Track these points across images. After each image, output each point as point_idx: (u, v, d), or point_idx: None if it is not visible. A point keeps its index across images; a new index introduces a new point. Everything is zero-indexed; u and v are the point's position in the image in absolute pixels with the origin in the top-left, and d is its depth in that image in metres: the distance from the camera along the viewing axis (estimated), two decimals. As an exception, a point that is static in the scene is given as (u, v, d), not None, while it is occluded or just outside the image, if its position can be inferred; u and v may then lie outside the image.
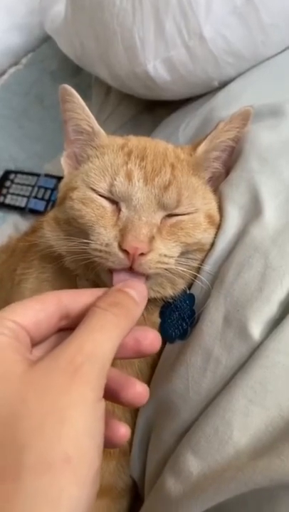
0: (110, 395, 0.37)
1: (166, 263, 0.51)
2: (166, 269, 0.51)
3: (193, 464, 0.44)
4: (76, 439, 0.29)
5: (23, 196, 1.24)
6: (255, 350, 0.44)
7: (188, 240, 0.53)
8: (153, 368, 0.57)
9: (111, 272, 0.50)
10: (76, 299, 0.39)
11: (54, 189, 1.21)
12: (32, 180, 1.27)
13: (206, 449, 0.43)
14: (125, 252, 0.48)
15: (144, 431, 0.56)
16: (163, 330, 0.56)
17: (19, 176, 1.30)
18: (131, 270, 0.49)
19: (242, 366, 0.45)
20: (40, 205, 1.21)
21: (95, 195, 0.53)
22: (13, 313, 0.35)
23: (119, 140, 0.59)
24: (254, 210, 0.53)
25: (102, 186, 0.53)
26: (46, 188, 1.23)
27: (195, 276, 0.54)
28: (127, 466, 0.58)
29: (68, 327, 0.38)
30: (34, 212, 1.21)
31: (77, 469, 0.28)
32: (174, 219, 0.53)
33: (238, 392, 0.43)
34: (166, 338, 0.56)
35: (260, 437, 0.41)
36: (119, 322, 0.36)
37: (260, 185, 0.55)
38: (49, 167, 1.31)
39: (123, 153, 0.55)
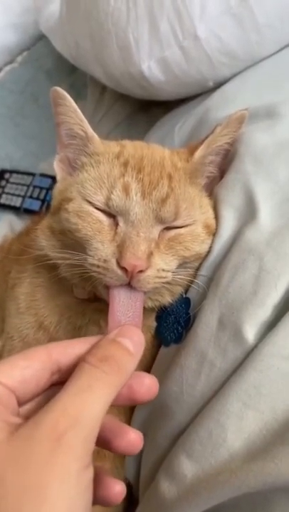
0: (102, 442, 0.35)
1: (164, 277, 0.50)
2: (163, 283, 0.51)
3: (188, 466, 0.44)
4: None
5: (18, 196, 1.24)
6: (249, 353, 0.44)
7: (187, 253, 0.52)
8: (147, 371, 0.57)
9: (108, 286, 0.50)
10: (67, 350, 0.36)
11: (49, 189, 1.20)
12: (27, 179, 1.26)
13: (200, 452, 0.43)
14: (124, 269, 0.47)
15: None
16: (159, 333, 0.56)
17: (14, 175, 1.29)
18: (129, 285, 0.49)
19: (236, 369, 0.45)
20: (35, 205, 1.20)
21: (91, 209, 0.52)
22: None
23: (114, 147, 0.57)
24: (249, 213, 0.53)
25: (99, 199, 0.52)
26: (41, 188, 1.22)
27: (192, 281, 0.54)
28: (121, 468, 0.58)
29: (62, 381, 0.35)
30: (29, 212, 1.20)
31: None
32: (172, 232, 0.52)
33: (232, 395, 0.43)
34: (162, 341, 0.56)
35: (254, 441, 0.41)
36: (110, 380, 0.33)
37: (255, 187, 0.54)
38: (44, 166, 1.30)
39: (119, 163, 0.54)
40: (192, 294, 0.55)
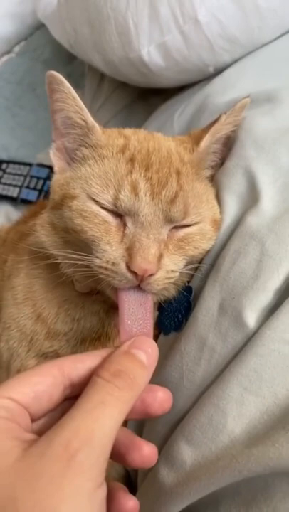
0: (116, 456, 0.35)
1: (173, 277, 0.50)
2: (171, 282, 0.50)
3: (187, 453, 0.44)
4: None
5: (15, 186, 1.23)
6: (250, 338, 0.44)
7: (196, 252, 0.52)
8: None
9: (116, 287, 0.48)
10: (77, 365, 0.36)
11: (46, 179, 1.19)
12: (24, 169, 1.25)
13: (200, 438, 0.43)
14: (133, 272, 0.46)
15: (138, 420, 0.55)
16: (159, 322, 0.56)
17: (11, 165, 1.28)
18: (138, 287, 0.48)
19: (237, 354, 0.44)
20: (32, 195, 1.20)
21: (97, 208, 0.50)
22: (10, 389, 0.33)
23: (117, 139, 0.54)
24: (251, 198, 0.53)
25: (106, 198, 0.50)
26: (39, 178, 1.21)
27: (195, 269, 0.54)
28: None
29: (76, 395, 0.35)
30: (26, 202, 1.19)
31: None
32: (182, 232, 0.51)
33: (233, 380, 0.42)
34: (162, 330, 0.55)
35: (255, 425, 0.40)
36: (123, 395, 0.33)
37: (256, 173, 0.54)
38: (41, 156, 1.29)
39: (125, 158, 0.51)
40: (194, 282, 0.54)
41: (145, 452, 0.36)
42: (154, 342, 0.40)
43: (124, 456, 0.36)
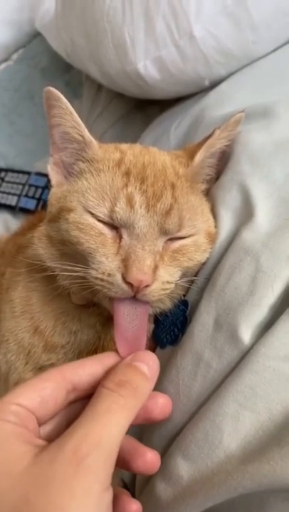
0: (121, 463, 0.37)
1: (168, 288, 0.50)
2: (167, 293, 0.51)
3: (184, 468, 0.44)
4: None
5: (14, 195, 1.23)
6: (245, 354, 0.44)
7: (190, 263, 0.52)
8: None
9: (112, 298, 0.49)
10: (78, 371, 0.38)
11: (45, 187, 1.19)
12: (23, 178, 1.25)
13: (197, 453, 0.43)
14: (129, 284, 0.47)
15: (135, 434, 0.56)
16: (155, 335, 0.56)
17: (10, 174, 1.28)
18: (133, 298, 0.48)
19: (233, 370, 0.45)
20: (31, 204, 1.20)
21: (93, 221, 0.51)
22: (17, 396, 0.35)
23: (113, 153, 0.55)
24: (246, 213, 0.53)
25: (102, 211, 0.50)
26: (37, 187, 1.22)
27: (190, 283, 0.54)
28: (118, 469, 0.58)
29: (79, 399, 0.38)
30: (25, 210, 1.19)
31: None
32: (176, 244, 0.52)
33: (228, 396, 0.43)
34: (158, 343, 0.56)
35: (250, 442, 0.41)
36: (127, 403, 0.35)
37: (251, 188, 0.54)
38: (40, 164, 1.29)
39: (121, 172, 0.52)
40: (190, 295, 0.55)
41: (148, 458, 0.39)
42: (155, 356, 0.43)
43: (129, 462, 0.38)
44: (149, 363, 0.40)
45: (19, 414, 0.34)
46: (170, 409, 0.40)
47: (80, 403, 0.39)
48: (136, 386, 0.37)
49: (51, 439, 0.34)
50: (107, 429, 0.33)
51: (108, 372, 0.39)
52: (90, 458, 0.31)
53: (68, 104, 0.53)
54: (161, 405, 0.40)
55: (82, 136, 0.54)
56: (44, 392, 0.36)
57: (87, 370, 0.38)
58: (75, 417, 0.35)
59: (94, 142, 0.55)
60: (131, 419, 0.35)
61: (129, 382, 0.37)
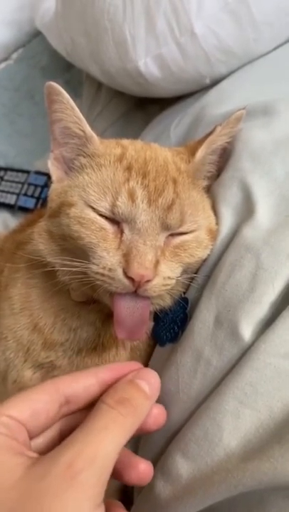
0: (114, 474, 0.36)
1: (170, 284, 0.50)
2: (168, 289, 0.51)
3: (183, 466, 0.44)
4: None
5: (13, 193, 1.23)
6: (246, 351, 0.44)
7: (192, 259, 0.52)
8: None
9: (112, 293, 0.49)
10: (72, 384, 0.38)
11: (44, 186, 1.19)
12: (22, 177, 1.25)
13: (196, 451, 0.43)
14: (130, 278, 0.47)
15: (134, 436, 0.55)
16: (155, 333, 0.56)
17: (9, 172, 1.28)
18: (134, 293, 0.48)
19: (233, 368, 0.44)
20: (30, 203, 1.19)
21: (95, 216, 0.50)
22: (8, 407, 0.35)
23: (115, 148, 0.55)
24: (247, 210, 0.53)
25: (103, 205, 0.50)
26: (36, 186, 1.21)
27: (191, 280, 0.54)
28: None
29: (72, 412, 0.38)
30: (24, 209, 1.19)
31: None
32: (178, 239, 0.52)
33: (228, 394, 0.42)
34: (158, 341, 0.55)
35: (250, 439, 0.40)
36: (126, 422, 0.35)
37: (252, 185, 0.54)
38: (39, 163, 1.29)
39: (122, 167, 0.52)
40: (191, 293, 0.54)
41: (141, 470, 0.38)
42: (156, 374, 0.42)
43: (122, 473, 0.37)
44: (150, 381, 0.40)
45: (9, 426, 0.33)
46: (164, 418, 0.40)
47: (73, 417, 0.39)
48: (135, 404, 0.37)
49: (43, 452, 0.33)
50: (103, 445, 0.32)
51: (110, 388, 0.38)
52: (84, 474, 0.30)
53: (70, 99, 0.53)
54: (155, 415, 0.40)
55: (84, 131, 0.54)
56: (36, 405, 0.35)
57: (81, 383, 0.38)
58: (67, 430, 0.35)
59: (95, 137, 0.55)
60: (128, 437, 0.35)
61: (129, 401, 0.36)
